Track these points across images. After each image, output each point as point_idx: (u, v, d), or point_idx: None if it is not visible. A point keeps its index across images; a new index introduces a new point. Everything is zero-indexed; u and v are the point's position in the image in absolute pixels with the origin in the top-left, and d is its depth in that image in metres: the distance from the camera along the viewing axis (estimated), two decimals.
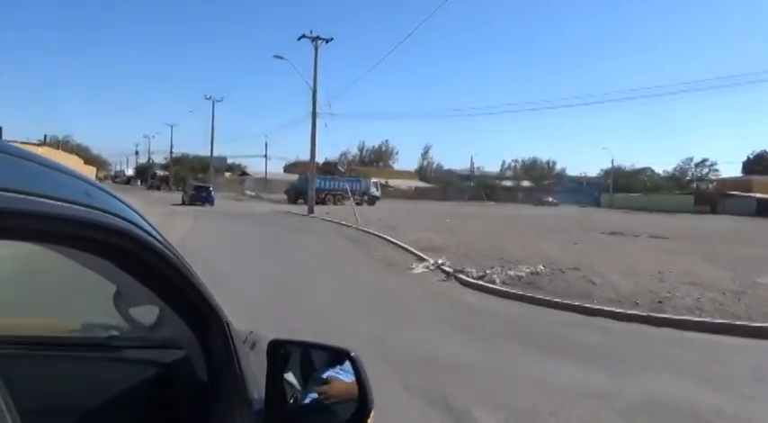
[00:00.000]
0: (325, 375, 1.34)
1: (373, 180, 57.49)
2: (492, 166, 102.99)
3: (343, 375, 1.32)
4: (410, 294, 9.25)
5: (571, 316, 7.97)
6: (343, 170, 65.09)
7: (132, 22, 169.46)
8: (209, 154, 63.93)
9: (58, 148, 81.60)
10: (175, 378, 1.42)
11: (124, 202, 1.02)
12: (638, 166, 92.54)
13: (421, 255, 13.38)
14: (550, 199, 79.76)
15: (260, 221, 23.38)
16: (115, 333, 1.58)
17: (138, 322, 1.48)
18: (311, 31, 29.44)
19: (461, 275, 10.33)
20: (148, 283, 1.10)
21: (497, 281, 9.66)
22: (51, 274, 1.64)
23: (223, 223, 22.44)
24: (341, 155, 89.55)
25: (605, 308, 8.02)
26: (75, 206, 0.78)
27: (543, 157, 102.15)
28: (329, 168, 67.39)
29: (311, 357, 1.43)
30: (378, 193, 56.77)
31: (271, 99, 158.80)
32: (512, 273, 10.13)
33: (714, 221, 39.87)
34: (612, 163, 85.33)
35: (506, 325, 7.48)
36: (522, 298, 8.80)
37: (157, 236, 1.06)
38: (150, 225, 1.07)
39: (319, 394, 1.32)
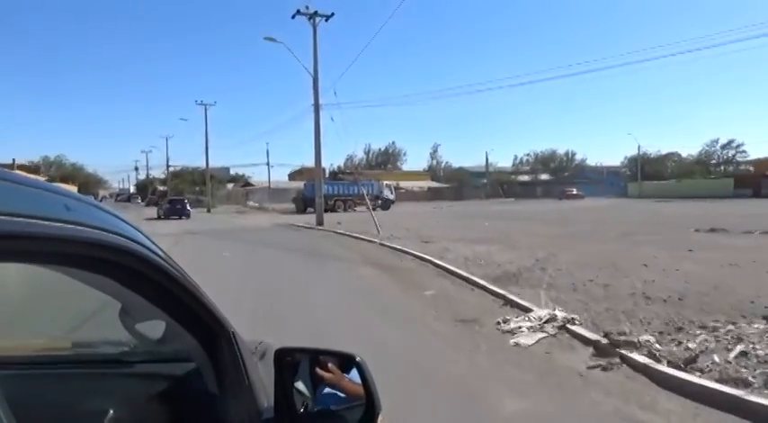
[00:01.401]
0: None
1: (386, 182, 52.32)
2: (503, 162, 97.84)
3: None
4: None
5: None
6: (356, 172, 59.61)
7: (118, 34, 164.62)
8: (209, 164, 59.12)
9: (51, 168, 78.97)
10: (186, 391, 1.41)
11: (123, 220, 1.03)
12: (664, 151, 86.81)
13: (503, 293, 8.18)
14: (574, 191, 74.22)
15: (255, 242, 18.16)
16: (124, 349, 1.57)
17: (146, 337, 1.43)
18: (307, 7, 24.35)
19: (634, 354, 5.03)
20: (152, 299, 1.11)
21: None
22: (56, 291, 1.52)
23: (205, 248, 17.26)
24: (347, 159, 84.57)
25: None
26: (74, 226, 0.80)
27: (559, 148, 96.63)
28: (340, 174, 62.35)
29: (319, 364, 1.43)
30: (392, 197, 51.67)
31: (271, 102, 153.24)
32: (743, 347, 4.88)
33: None
34: (639, 149, 79.48)
35: None
36: None
37: (158, 251, 1.07)
38: (151, 241, 1.08)
39: (332, 389, 1.38)
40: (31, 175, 0.88)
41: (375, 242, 16.94)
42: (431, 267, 11.45)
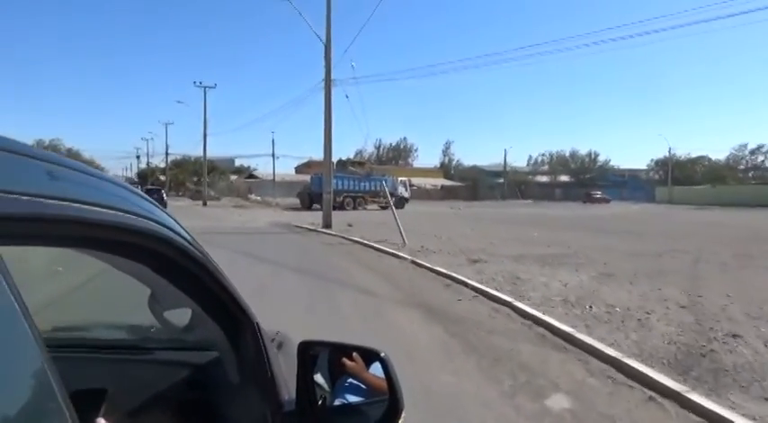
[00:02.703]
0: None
1: (400, 178, 47.51)
2: (517, 161, 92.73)
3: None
4: None
5: None
6: (367, 164, 54.64)
7: (116, 16, 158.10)
8: (211, 154, 54.59)
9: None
10: (208, 379, 1.41)
11: (154, 204, 1.01)
12: (693, 154, 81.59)
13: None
14: (598, 194, 69.29)
15: (238, 252, 13.16)
16: (149, 335, 1.57)
17: (172, 324, 1.44)
18: None
19: None
20: (183, 287, 1.12)
21: None
22: (85, 276, 1.58)
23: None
24: (356, 153, 79.86)
25: None
26: (114, 212, 0.79)
27: (581, 149, 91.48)
28: (350, 164, 57.10)
29: (340, 359, 1.43)
30: (407, 195, 46.92)
31: (278, 86, 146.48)
32: None
33: None
34: (670, 151, 74.36)
35: None
36: None
37: (190, 239, 1.07)
38: (183, 228, 1.07)
39: (354, 380, 1.41)
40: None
41: (404, 258, 12.26)
42: (516, 318, 6.77)
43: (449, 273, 9.88)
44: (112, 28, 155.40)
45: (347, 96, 19.78)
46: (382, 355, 1.28)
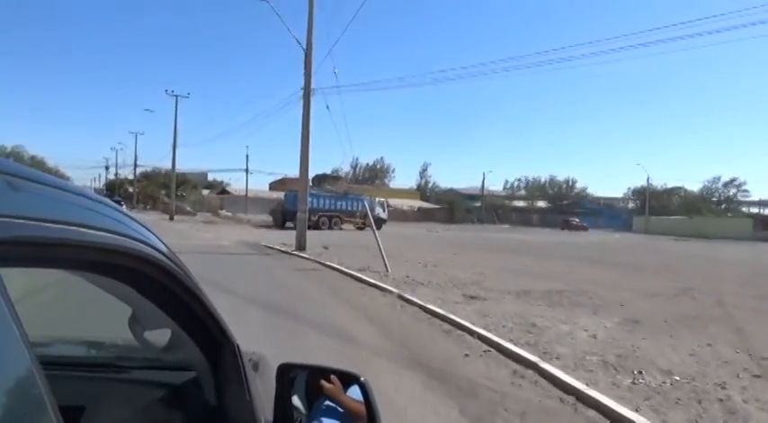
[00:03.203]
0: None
1: (378, 199, 45.85)
2: (493, 186, 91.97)
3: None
4: None
5: None
6: (342, 181, 52.94)
7: (85, 22, 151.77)
8: (183, 167, 52.14)
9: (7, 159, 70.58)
10: (186, 399, 1.39)
11: (143, 225, 1.01)
12: (669, 184, 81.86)
13: None
14: (576, 221, 68.70)
15: (200, 280, 11.44)
16: (127, 354, 1.55)
17: (152, 344, 1.41)
18: None
19: None
20: (165, 307, 1.11)
21: None
22: (64, 293, 1.59)
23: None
24: (333, 171, 78.19)
25: None
26: (98, 232, 0.78)
27: (559, 175, 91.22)
28: (326, 181, 55.10)
29: (317, 381, 1.39)
30: (385, 216, 45.24)
31: (256, 99, 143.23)
32: None
33: None
34: (648, 181, 74.32)
35: None
36: None
37: (174, 258, 1.06)
38: (166, 247, 1.06)
39: (331, 403, 1.36)
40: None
41: (389, 291, 10.52)
42: (550, 390, 5.05)
43: (446, 314, 8.17)
44: (81, 31, 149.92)
45: (328, 107, 18.01)
46: (362, 378, 1.32)
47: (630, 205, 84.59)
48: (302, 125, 18.17)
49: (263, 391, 1.36)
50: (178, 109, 44.44)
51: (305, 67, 18.06)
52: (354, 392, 1.33)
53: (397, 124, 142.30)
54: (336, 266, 14.27)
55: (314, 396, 1.40)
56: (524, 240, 35.87)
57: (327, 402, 1.37)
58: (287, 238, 22.94)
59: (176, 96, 43.95)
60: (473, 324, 7.49)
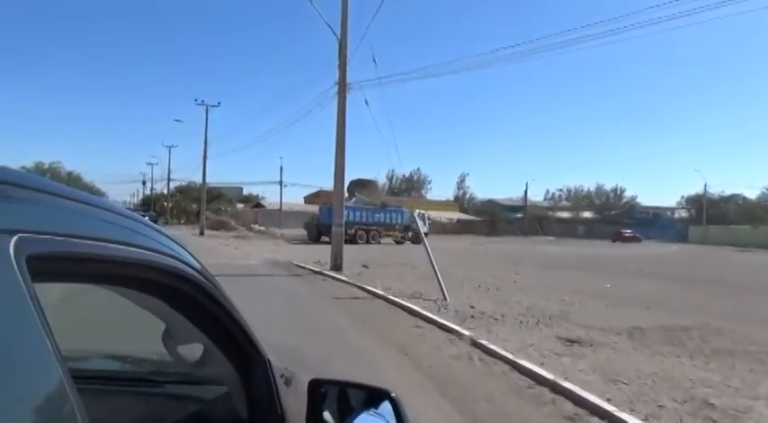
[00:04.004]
0: (362, 415, 1.33)
1: (418, 211, 43.03)
2: (533, 196, 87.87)
3: (378, 418, 1.32)
4: None
5: None
6: (378, 189, 50.33)
7: (121, 35, 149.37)
8: (218, 180, 50.36)
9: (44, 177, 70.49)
10: (217, 414, 1.40)
11: (176, 241, 1.05)
12: (727, 192, 76.61)
13: None
14: (628, 232, 64.44)
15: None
16: (160, 369, 1.56)
17: (184, 359, 1.42)
18: None
19: None
20: (197, 322, 1.12)
21: None
22: (98, 308, 1.58)
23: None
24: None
25: None
26: (134, 249, 0.81)
27: (606, 184, 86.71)
28: (363, 188, 52.19)
29: (348, 397, 1.41)
30: (426, 229, 42.34)
31: (292, 109, 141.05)
32: None
33: None
34: (706, 188, 69.56)
35: None
36: None
37: (206, 274, 1.08)
38: (199, 262, 1.09)
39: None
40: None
41: (457, 332, 7.78)
42: None
43: (555, 379, 5.38)
44: (113, 51, 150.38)
45: (367, 102, 15.40)
46: (392, 394, 1.33)
47: (683, 214, 79.58)
48: (337, 124, 15.65)
49: (296, 407, 1.34)
50: (209, 119, 42.58)
51: (339, 58, 15.56)
52: (385, 409, 1.32)
53: (433, 134, 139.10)
54: (381, 293, 11.59)
55: (345, 412, 1.38)
56: (580, 254, 32.63)
57: (358, 419, 1.32)
58: (321, 254, 20.41)
59: (206, 106, 42.22)
60: (609, 401, 4.72)
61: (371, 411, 1.33)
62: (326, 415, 1.36)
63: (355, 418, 1.33)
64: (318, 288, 13.01)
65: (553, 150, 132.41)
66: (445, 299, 10.66)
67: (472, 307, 9.94)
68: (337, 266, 15.97)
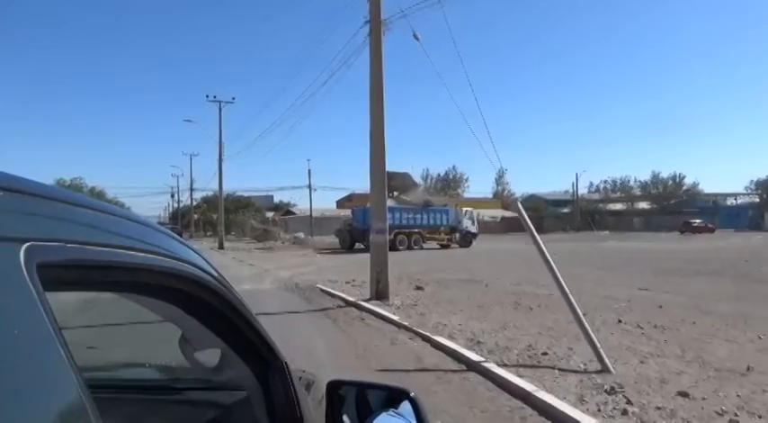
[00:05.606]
0: (382, 416, 1.28)
1: (465, 209, 37.46)
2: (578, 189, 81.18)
3: (398, 418, 1.28)
4: None
5: None
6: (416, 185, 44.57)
7: (139, 46, 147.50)
8: (245, 187, 45.89)
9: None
10: (237, 419, 1.38)
11: (193, 249, 1.04)
12: None
13: None
14: (698, 222, 57.47)
15: None
16: (179, 375, 1.54)
17: (202, 365, 1.40)
18: None
19: None
20: (214, 328, 1.11)
21: None
22: (115, 315, 1.60)
23: None
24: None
25: None
26: (150, 255, 0.81)
27: (662, 171, 79.35)
28: (400, 184, 46.11)
29: (367, 398, 1.38)
30: (475, 229, 36.75)
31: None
32: None
33: None
34: None
35: None
36: None
37: (222, 280, 1.06)
38: (214, 268, 1.07)
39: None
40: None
41: None
42: None
43: None
44: (132, 61, 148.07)
45: (415, 35, 10.01)
46: (412, 394, 1.29)
47: (755, 200, 71.81)
48: (371, 76, 10.37)
49: (315, 410, 1.33)
50: (222, 116, 37.85)
51: None
52: (405, 409, 1.28)
53: (463, 125, 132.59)
54: (470, 356, 6.21)
55: (364, 413, 1.34)
56: (668, 250, 27.02)
57: (378, 419, 1.27)
58: (357, 269, 15.25)
59: (219, 102, 37.51)
60: None
61: (391, 411, 1.29)
62: (346, 417, 1.33)
63: (375, 418, 1.27)
64: (353, 341, 7.63)
65: (590, 141, 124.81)
66: (606, 367, 5.33)
67: (679, 395, 4.59)
68: (380, 293, 10.64)
